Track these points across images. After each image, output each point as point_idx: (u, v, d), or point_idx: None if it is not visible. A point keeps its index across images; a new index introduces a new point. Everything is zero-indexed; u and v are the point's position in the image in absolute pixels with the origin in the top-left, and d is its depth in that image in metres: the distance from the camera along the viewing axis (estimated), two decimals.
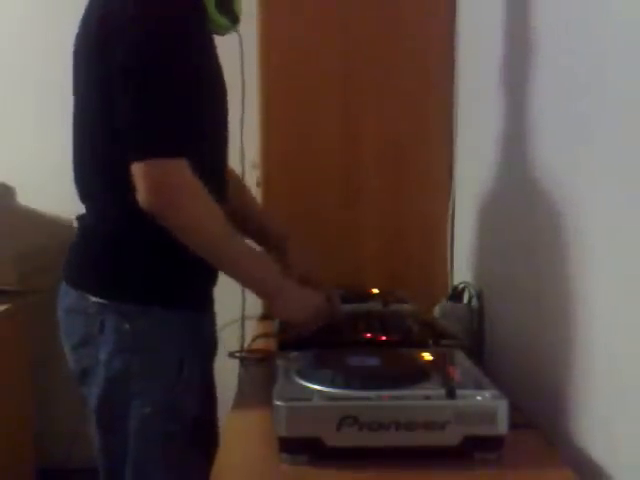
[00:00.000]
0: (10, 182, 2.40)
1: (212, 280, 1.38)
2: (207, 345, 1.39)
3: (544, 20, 1.29)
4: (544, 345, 1.28)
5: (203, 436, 1.30)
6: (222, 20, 1.30)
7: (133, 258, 1.29)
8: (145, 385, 1.26)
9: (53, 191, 2.51)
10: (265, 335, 1.66)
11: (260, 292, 1.35)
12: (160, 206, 1.19)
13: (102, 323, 1.27)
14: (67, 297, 1.34)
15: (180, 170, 1.19)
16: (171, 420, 1.26)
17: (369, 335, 1.42)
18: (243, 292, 1.70)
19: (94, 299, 1.28)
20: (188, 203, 1.21)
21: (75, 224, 1.39)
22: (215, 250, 1.26)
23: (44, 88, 2.64)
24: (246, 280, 1.32)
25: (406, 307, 1.59)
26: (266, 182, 1.98)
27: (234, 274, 1.29)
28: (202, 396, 1.34)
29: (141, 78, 1.17)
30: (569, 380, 1.17)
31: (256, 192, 1.93)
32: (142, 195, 1.18)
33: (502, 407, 1.02)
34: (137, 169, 1.18)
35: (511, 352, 1.47)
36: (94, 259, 1.33)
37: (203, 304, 1.39)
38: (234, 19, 1.34)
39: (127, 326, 1.26)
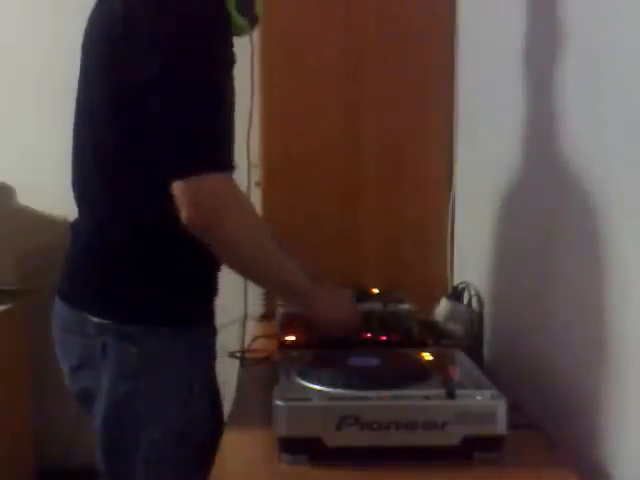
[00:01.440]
0: (10, 182, 2.39)
1: (216, 293, 1.34)
2: (212, 358, 1.33)
3: (543, 19, 1.29)
4: (544, 345, 1.27)
5: (213, 456, 1.16)
6: (242, 21, 1.24)
7: (136, 274, 1.22)
8: (155, 410, 1.20)
9: (53, 191, 2.51)
10: (265, 335, 1.66)
11: (300, 299, 1.31)
12: (210, 225, 1.12)
13: (103, 345, 1.20)
14: (65, 315, 1.27)
15: (230, 186, 1.14)
16: (183, 444, 1.21)
17: (369, 335, 1.42)
18: (245, 292, 1.71)
19: (94, 319, 1.20)
20: (239, 219, 1.15)
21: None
22: (261, 265, 1.22)
23: (44, 88, 2.64)
24: (287, 290, 1.30)
25: (406, 307, 1.59)
26: (266, 182, 1.98)
27: (275, 286, 1.29)
28: (211, 412, 1.30)
29: (175, 87, 1.11)
30: (569, 380, 1.17)
31: (256, 192, 1.93)
32: (189, 213, 1.10)
33: (502, 407, 1.02)
34: (182, 186, 1.10)
35: (511, 352, 1.47)
36: (92, 275, 1.25)
37: (209, 319, 1.33)
38: (253, 20, 1.29)
39: (134, 349, 1.19)
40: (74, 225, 1.32)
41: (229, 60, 1.18)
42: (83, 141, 1.28)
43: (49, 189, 2.51)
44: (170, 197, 1.12)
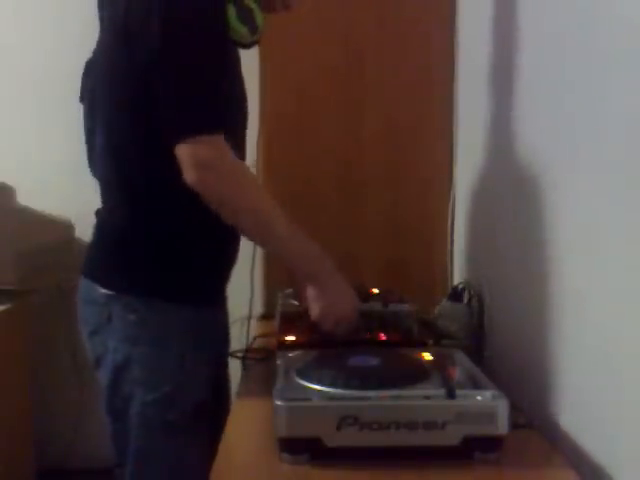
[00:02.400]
0: (10, 182, 2.39)
1: (221, 277, 1.40)
2: (215, 341, 1.39)
3: (543, 18, 1.29)
4: (544, 345, 1.27)
5: (204, 427, 1.32)
6: (242, 29, 1.31)
7: (138, 251, 1.31)
8: (147, 374, 1.29)
9: (53, 191, 2.52)
10: (265, 335, 1.66)
11: (311, 271, 1.33)
12: (215, 181, 1.20)
13: (110, 313, 1.30)
14: (83, 287, 1.38)
15: (225, 146, 1.21)
16: (170, 409, 1.29)
17: (369, 335, 1.42)
18: (252, 292, 1.72)
19: (102, 290, 1.31)
20: (244, 178, 1.25)
21: (75, 224, 1.39)
22: (267, 226, 1.27)
23: (45, 88, 2.64)
24: (297, 256, 1.31)
25: (406, 307, 1.59)
26: (266, 181, 1.98)
27: (285, 250, 1.31)
28: (206, 388, 1.35)
29: (175, 64, 1.19)
30: (569, 380, 1.17)
31: None
32: (194, 173, 1.19)
33: (502, 407, 1.02)
34: (183, 147, 1.19)
35: (511, 352, 1.47)
36: (103, 251, 1.37)
37: (209, 300, 1.38)
38: (254, 29, 1.34)
39: (132, 316, 1.29)
40: (97, 212, 1.41)
41: (226, 64, 1.27)
42: (95, 124, 1.35)
43: (49, 189, 2.52)
44: (173, 169, 1.20)
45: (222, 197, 1.23)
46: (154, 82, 1.20)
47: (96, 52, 1.36)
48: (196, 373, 1.32)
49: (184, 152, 1.19)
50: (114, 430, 1.37)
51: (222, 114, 1.22)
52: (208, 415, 1.33)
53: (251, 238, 1.34)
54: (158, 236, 1.30)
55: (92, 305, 1.34)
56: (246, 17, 1.31)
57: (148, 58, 1.19)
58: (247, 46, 1.38)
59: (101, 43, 1.34)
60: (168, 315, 1.31)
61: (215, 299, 1.41)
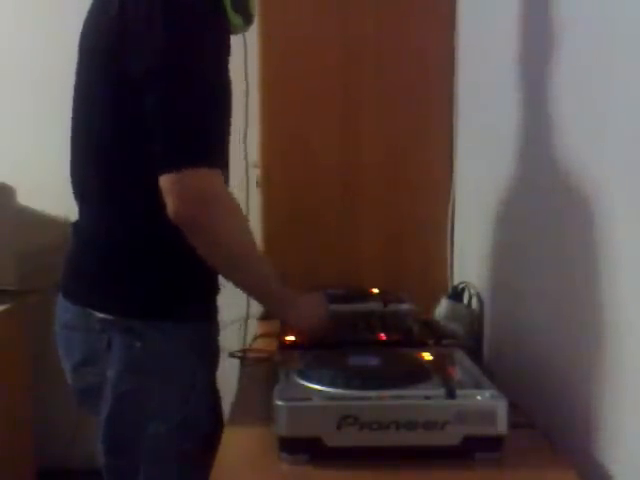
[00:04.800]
0: (10, 182, 2.39)
1: (218, 288, 1.35)
2: (214, 354, 1.35)
3: (543, 18, 1.29)
4: (544, 345, 1.27)
5: (212, 454, 1.21)
6: (237, 20, 1.27)
7: (138, 270, 1.23)
8: (160, 404, 1.22)
9: (53, 191, 2.51)
10: (265, 335, 1.66)
11: (278, 307, 1.33)
12: (195, 218, 1.13)
13: (109, 340, 1.22)
14: (66, 313, 1.29)
15: (218, 181, 1.15)
16: (186, 438, 1.23)
17: (369, 335, 1.42)
18: None
19: (98, 315, 1.22)
20: (225, 216, 1.17)
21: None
22: (242, 265, 1.23)
23: (44, 88, 2.64)
24: (266, 296, 1.30)
25: (406, 307, 1.59)
26: (266, 182, 1.98)
27: (254, 290, 1.27)
28: (213, 408, 1.32)
29: (172, 83, 1.13)
30: (569, 379, 1.17)
31: (256, 192, 1.94)
32: (175, 206, 1.12)
33: (502, 407, 1.02)
34: (170, 179, 1.12)
35: (511, 352, 1.47)
36: (95, 272, 1.27)
37: (212, 313, 1.34)
38: (248, 19, 1.32)
39: (138, 344, 1.21)
40: (75, 224, 1.34)
41: (224, 59, 1.20)
42: (82, 139, 1.30)
43: (49, 189, 2.51)
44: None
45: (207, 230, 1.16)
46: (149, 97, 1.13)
47: (76, 86, 1.30)
48: (204, 392, 1.28)
49: (177, 181, 1.12)
50: (113, 466, 1.28)
51: (222, 143, 1.18)
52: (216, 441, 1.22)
53: (220, 271, 1.26)
54: (158, 250, 1.22)
55: (81, 332, 1.26)
56: (240, 6, 1.27)
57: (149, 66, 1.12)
58: (236, 33, 1.34)
59: (81, 75, 1.27)
60: (177, 336, 1.23)
61: (215, 310, 1.35)
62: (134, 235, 1.23)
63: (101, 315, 1.22)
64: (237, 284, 1.24)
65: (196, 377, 1.26)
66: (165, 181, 1.12)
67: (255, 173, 1.95)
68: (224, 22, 1.22)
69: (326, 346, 1.32)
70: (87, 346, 1.26)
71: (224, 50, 1.21)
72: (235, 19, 1.26)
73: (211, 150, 1.16)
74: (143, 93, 1.13)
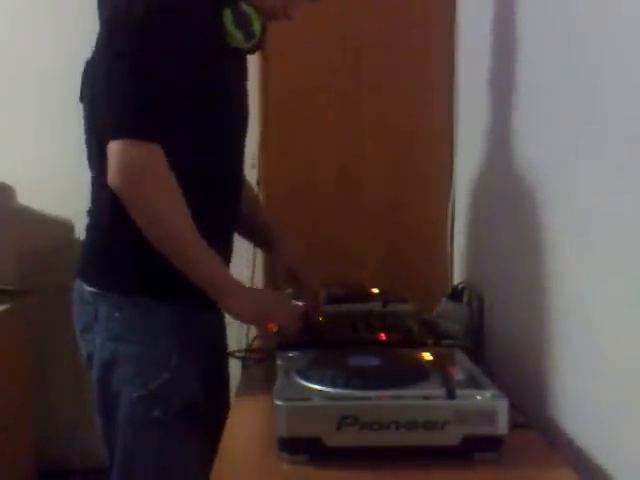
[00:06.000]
0: (10, 182, 2.40)
1: None
2: (205, 339, 1.38)
3: (543, 20, 1.29)
4: (544, 345, 1.28)
5: (196, 425, 1.31)
6: (238, 35, 1.33)
7: (123, 250, 1.32)
8: (133, 372, 1.30)
9: (53, 191, 2.52)
10: (265, 335, 1.66)
11: (213, 292, 1.30)
12: (129, 186, 1.20)
13: (96, 311, 1.33)
14: (76, 287, 1.40)
15: (157, 155, 1.21)
16: (156, 406, 1.29)
17: (369, 335, 1.42)
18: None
19: (89, 288, 1.34)
20: (158, 189, 1.22)
21: (75, 224, 1.40)
22: (174, 243, 1.25)
23: (45, 88, 2.64)
24: (202, 278, 1.28)
25: (406, 307, 1.59)
26: (266, 181, 1.98)
27: (190, 270, 1.26)
28: (196, 387, 1.33)
29: (133, 62, 1.21)
30: (569, 379, 1.17)
31: (256, 191, 1.93)
32: (112, 172, 1.20)
33: (502, 407, 1.02)
34: (112, 146, 1.20)
35: (511, 352, 1.47)
36: (91, 251, 1.39)
37: (197, 300, 1.32)
38: (249, 35, 1.36)
39: (117, 314, 1.30)
40: (88, 211, 1.42)
41: (202, 53, 1.27)
42: (93, 124, 1.36)
43: (49, 189, 2.52)
44: None
45: (141, 203, 1.22)
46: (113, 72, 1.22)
47: (94, 52, 1.36)
48: (183, 371, 1.31)
49: (116, 149, 1.20)
50: (105, 430, 1.36)
51: (170, 119, 1.24)
52: (200, 414, 1.32)
53: (160, 249, 1.27)
54: (142, 234, 1.25)
55: (83, 304, 1.36)
56: (242, 22, 1.33)
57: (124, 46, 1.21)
58: (249, 51, 1.41)
59: (97, 42, 1.34)
60: (153, 313, 1.31)
61: (204, 298, 1.32)
62: (116, 216, 1.28)
63: (90, 288, 1.34)
64: (173, 262, 1.26)
65: (172, 355, 1.30)
66: (110, 148, 1.20)
67: (254, 173, 1.95)
68: (213, 32, 1.29)
69: (326, 346, 1.32)
70: (84, 316, 1.37)
71: (210, 57, 1.29)
72: (236, 34, 1.33)
73: (155, 125, 1.22)
74: (111, 61, 1.23)
